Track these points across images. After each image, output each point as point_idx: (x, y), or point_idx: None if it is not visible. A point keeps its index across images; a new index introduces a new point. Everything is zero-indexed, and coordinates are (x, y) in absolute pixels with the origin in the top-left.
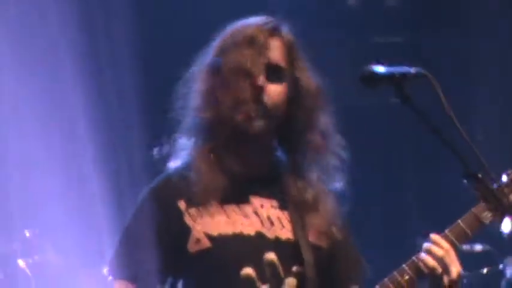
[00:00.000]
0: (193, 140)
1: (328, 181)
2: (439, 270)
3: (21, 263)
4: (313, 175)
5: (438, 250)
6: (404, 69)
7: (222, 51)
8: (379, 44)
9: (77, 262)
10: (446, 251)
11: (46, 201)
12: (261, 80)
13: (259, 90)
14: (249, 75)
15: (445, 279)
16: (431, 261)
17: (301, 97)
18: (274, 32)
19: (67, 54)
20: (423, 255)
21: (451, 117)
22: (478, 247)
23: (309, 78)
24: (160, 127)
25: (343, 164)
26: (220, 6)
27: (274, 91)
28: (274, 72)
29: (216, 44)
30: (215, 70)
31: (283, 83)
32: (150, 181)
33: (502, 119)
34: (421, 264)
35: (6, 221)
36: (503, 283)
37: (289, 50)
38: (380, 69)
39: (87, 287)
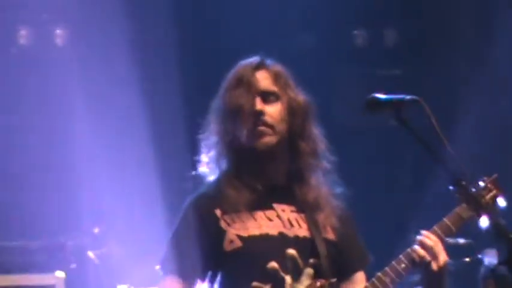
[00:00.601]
0: (226, 160)
1: (329, 182)
2: (429, 258)
3: (91, 254)
4: (316, 178)
5: (428, 242)
6: (401, 96)
7: (223, 94)
8: (381, 76)
9: (135, 253)
10: (435, 243)
11: (111, 199)
12: (258, 104)
13: (259, 113)
14: (245, 106)
15: (434, 266)
16: (422, 252)
17: (295, 110)
18: (259, 66)
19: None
20: (416, 247)
21: (440, 135)
22: (462, 240)
23: (299, 95)
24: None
25: (335, 166)
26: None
27: (273, 110)
28: (268, 96)
29: (221, 88)
30: (220, 111)
31: (278, 102)
32: (193, 191)
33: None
34: (414, 254)
35: (78, 220)
36: (482, 269)
37: (277, 77)
38: (381, 96)
39: (143, 274)
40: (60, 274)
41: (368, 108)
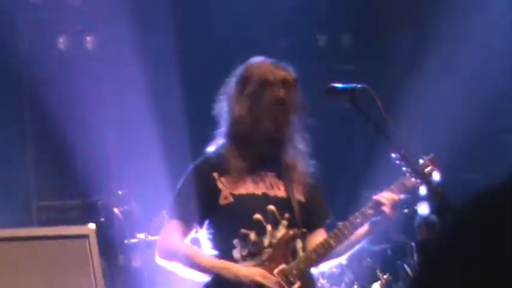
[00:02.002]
0: (225, 137)
1: (303, 157)
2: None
3: (116, 210)
4: (294, 154)
5: (382, 199)
6: (354, 85)
7: (248, 76)
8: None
9: (150, 209)
10: (383, 202)
11: (131, 168)
12: (282, 92)
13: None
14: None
15: (382, 219)
16: (372, 210)
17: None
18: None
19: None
20: (369, 205)
21: (386, 116)
22: (402, 196)
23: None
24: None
25: (309, 146)
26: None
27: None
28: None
29: (242, 74)
30: (245, 86)
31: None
32: (195, 159)
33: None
34: (368, 210)
35: (106, 184)
36: (416, 219)
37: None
38: (338, 85)
39: (157, 226)
40: (92, 226)
41: (328, 94)
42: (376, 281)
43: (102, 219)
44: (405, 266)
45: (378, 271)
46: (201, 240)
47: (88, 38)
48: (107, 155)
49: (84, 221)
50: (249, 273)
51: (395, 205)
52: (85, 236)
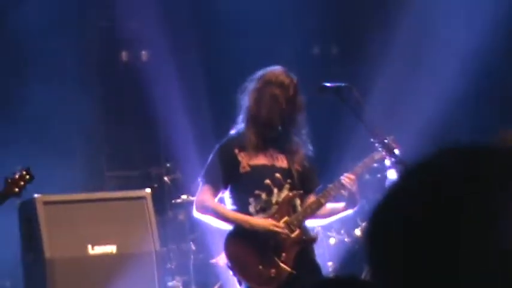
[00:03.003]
0: (243, 122)
1: (301, 140)
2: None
3: (166, 178)
4: (297, 139)
5: (348, 181)
6: (340, 83)
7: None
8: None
9: (191, 178)
10: (353, 181)
11: (177, 143)
12: (278, 91)
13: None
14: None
15: (351, 193)
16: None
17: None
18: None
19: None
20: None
21: (364, 107)
22: (375, 164)
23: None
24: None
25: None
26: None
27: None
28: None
29: (259, 75)
30: (256, 84)
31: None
32: (221, 140)
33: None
34: (337, 184)
35: (158, 157)
36: (386, 182)
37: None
38: (328, 84)
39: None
40: (148, 190)
41: (320, 91)
42: (358, 227)
43: (156, 185)
44: None
45: (358, 220)
46: (225, 199)
47: (143, 52)
48: (159, 134)
49: (142, 187)
50: (262, 223)
51: (354, 184)
52: (143, 198)
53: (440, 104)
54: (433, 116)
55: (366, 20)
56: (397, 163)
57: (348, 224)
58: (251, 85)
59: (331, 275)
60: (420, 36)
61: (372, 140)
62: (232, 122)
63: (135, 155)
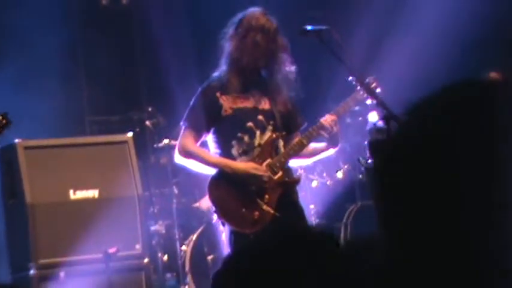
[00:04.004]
0: (225, 66)
1: (285, 80)
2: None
3: (147, 123)
4: (279, 80)
5: (329, 121)
6: (320, 26)
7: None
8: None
9: (173, 121)
10: (334, 122)
11: (159, 88)
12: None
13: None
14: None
15: (333, 133)
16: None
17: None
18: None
19: None
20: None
21: (344, 49)
22: (357, 107)
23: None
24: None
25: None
26: None
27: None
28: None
29: (239, 18)
30: (237, 28)
31: None
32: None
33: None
34: (319, 125)
35: (140, 102)
36: (368, 124)
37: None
38: (308, 27)
39: (177, 133)
40: (129, 134)
41: (301, 34)
42: (339, 170)
43: (137, 129)
44: (360, 158)
45: (340, 162)
46: (208, 143)
47: None
48: (139, 82)
49: (124, 132)
50: (244, 166)
51: (335, 125)
52: (125, 142)
53: (420, 46)
54: (414, 58)
55: None
56: (378, 105)
57: (329, 167)
58: (232, 29)
59: (313, 225)
60: None
61: (351, 80)
62: (215, 65)
63: (116, 99)
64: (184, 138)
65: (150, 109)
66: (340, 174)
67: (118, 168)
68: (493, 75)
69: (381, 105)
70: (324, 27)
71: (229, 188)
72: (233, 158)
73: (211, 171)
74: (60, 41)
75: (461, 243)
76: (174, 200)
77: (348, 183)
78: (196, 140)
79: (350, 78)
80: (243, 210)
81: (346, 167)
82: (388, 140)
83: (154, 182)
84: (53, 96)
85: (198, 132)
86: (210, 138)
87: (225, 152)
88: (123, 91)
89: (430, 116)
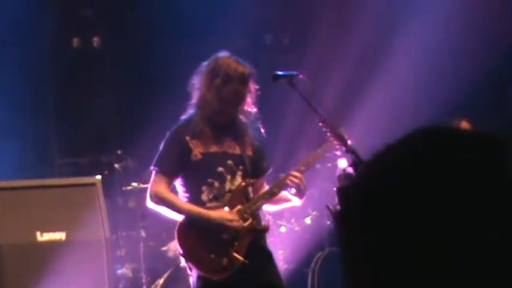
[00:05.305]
0: (197, 110)
1: (253, 126)
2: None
3: (116, 166)
4: (247, 123)
5: (297, 175)
6: (292, 72)
7: (218, 70)
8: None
9: (141, 165)
10: (300, 177)
11: (129, 134)
12: (240, 88)
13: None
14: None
15: (300, 187)
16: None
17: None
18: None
19: None
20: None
21: (315, 95)
22: (327, 154)
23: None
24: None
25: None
26: None
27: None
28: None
29: (212, 65)
30: (214, 77)
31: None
32: (172, 126)
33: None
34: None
35: (109, 145)
36: (337, 170)
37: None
38: (280, 72)
39: (147, 176)
40: (98, 177)
41: (273, 79)
42: (308, 216)
43: (106, 172)
44: (329, 205)
45: (309, 209)
46: (177, 186)
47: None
48: (110, 125)
49: (92, 174)
50: (217, 216)
51: (302, 181)
52: (93, 185)
53: (389, 95)
54: (383, 107)
55: (316, 10)
56: (348, 152)
57: (298, 213)
58: (206, 77)
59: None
60: (373, 30)
61: (323, 129)
62: (184, 109)
63: (86, 142)
64: (156, 183)
65: (119, 152)
66: (308, 221)
67: (86, 210)
68: (464, 124)
69: (350, 152)
70: (295, 72)
71: (198, 233)
72: (203, 203)
73: (180, 217)
74: (31, 82)
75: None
76: (142, 244)
77: (317, 230)
78: (168, 185)
79: (320, 124)
80: (212, 256)
81: (314, 213)
82: (345, 187)
83: (122, 225)
84: (23, 137)
85: (169, 177)
86: (179, 182)
87: (194, 196)
88: (93, 133)
89: (386, 163)
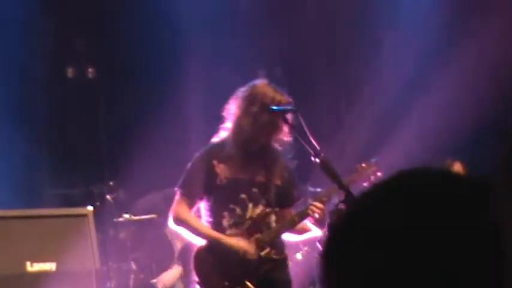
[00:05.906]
0: (228, 135)
1: (283, 155)
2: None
3: (108, 197)
4: (279, 151)
5: (318, 206)
6: (287, 106)
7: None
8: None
9: (133, 197)
10: (321, 208)
11: (122, 158)
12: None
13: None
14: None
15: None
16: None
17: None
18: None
19: None
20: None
21: (307, 130)
22: (319, 189)
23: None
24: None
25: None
26: None
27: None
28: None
29: (249, 92)
30: (250, 104)
31: None
32: (201, 148)
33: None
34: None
35: (101, 176)
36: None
37: None
38: (275, 107)
39: (139, 208)
40: (90, 208)
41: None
42: (299, 251)
43: (98, 203)
44: (321, 241)
45: (300, 244)
46: (201, 209)
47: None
48: (101, 156)
49: (84, 205)
50: (234, 244)
51: (323, 213)
52: (85, 216)
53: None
54: (374, 140)
55: (310, 44)
56: (341, 189)
57: (289, 248)
58: (243, 103)
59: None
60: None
61: (316, 164)
62: (182, 143)
63: (78, 172)
64: (179, 204)
65: (111, 183)
66: (299, 256)
67: (77, 241)
68: (457, 166)
69: (343, 188)
70: (289, 107)
71: (214, 260)
72: (223, 229)
73: (201, 241)
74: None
75: None
76: (132, 276)
77: (307, 265)
78: (191, 207)
79: (313, 159)
80: (226, 283)
81: (306, 248)
82: (332, 225)
83: (113, 257)
84: (13, 167)
85: (192, 199)
86: (202, 205)
87: (216, 221)
88: (85, 164)
89: (371, 203)
